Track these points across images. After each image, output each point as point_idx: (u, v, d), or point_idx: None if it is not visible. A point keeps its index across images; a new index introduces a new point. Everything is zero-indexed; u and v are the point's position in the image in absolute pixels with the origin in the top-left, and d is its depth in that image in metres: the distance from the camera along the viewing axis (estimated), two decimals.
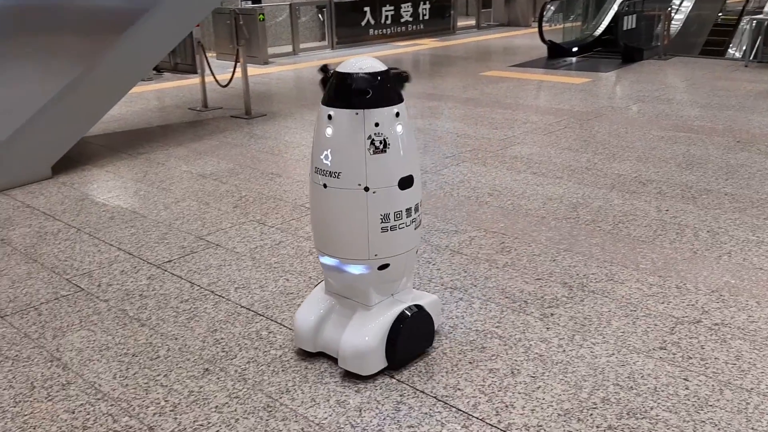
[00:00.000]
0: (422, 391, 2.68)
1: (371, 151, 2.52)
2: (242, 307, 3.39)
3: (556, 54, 11.87)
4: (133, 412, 2.60)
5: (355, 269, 2.71)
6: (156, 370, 2.87)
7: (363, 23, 14.28)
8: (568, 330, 3.10)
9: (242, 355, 2.96)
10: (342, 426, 2.49)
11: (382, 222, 2.60)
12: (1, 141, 5.13)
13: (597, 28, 12.72)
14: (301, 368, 2.85)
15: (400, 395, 2.66)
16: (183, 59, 10.94)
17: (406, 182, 2.62)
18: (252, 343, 3.06)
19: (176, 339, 3.11)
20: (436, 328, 2.98)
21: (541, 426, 2.47)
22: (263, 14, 11.70)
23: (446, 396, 2.65)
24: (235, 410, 2.59)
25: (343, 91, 2.52)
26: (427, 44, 14.44)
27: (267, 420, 2.53)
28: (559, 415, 2.53)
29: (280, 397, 2.66)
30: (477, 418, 2.52)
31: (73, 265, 3.92)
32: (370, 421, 2.51)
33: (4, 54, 5.10)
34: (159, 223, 4.55)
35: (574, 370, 2.79)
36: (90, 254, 4.07)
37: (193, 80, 9.84)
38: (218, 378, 2.80)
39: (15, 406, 2.65)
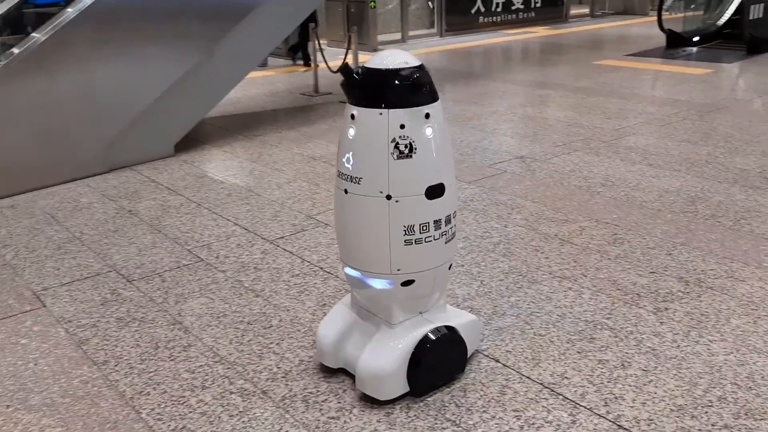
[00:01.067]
0: (528, 377, 2.67)
1: (395, 155, 2.28)
2: None
3: (675, 43, 11.33)
4: (247, 376, 2.73)
5: (377, 283, 2.47)
6: (269, 339, 2.99)
7: (473, 11, 14.15)
8: (684, 325, 2.99)
9: None
10: (446, 404, 2.52)
11: (406, 234, 2.36)
12: (130, 120, 5.47)
13: (720, 18, 12.04)
14: None
15: (506, 379, 2.66)
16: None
17: (435, 191, 2.36)
18: None
19: (288, 310, 3.23)
20: (471, 352, 2.74)
21: (652, 420, 2.40)
22: (374, 2, 11.81)
23: (553, 383, 2.63)
24: (344, 381, 2.67)
25: (365, 87, 2.31)
26: (539, 32, 14.15)
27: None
28: (671, 410, 2.45)
29: None
30: (584, 407, 2.48)
31: (193, 237, 4.14)
32: (475, 402, 2.53)
33: (132, 38, 5.42)
34: (272, 201, 4.72)
35: (689, 367, 2.70)
36: (209, 228, 4.28)
37: (305, 66, 10.08)
38: None
39: (141, 363, 2.84)
